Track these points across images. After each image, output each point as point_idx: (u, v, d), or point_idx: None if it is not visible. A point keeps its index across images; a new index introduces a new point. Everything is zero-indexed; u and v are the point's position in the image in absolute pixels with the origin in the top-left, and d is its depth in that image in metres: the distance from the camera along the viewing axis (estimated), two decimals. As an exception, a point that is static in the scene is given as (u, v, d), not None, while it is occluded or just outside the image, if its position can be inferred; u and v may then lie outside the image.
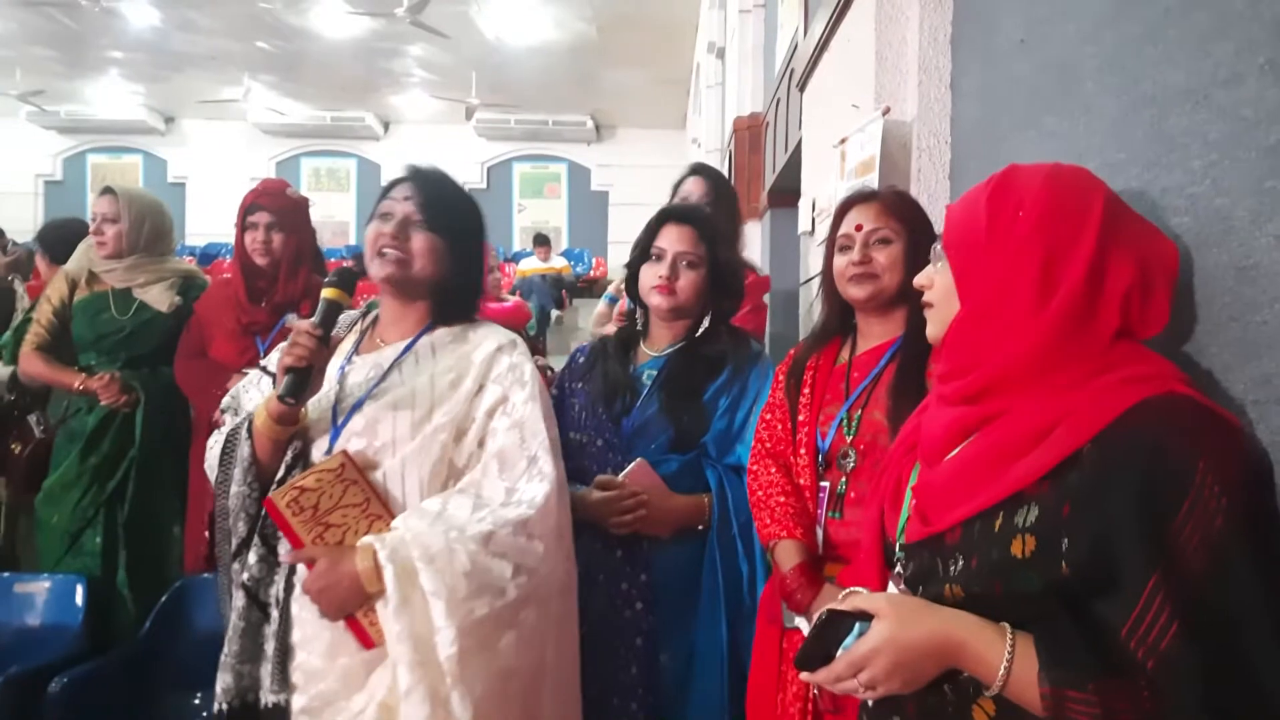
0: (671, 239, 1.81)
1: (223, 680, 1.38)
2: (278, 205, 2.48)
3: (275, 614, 1.37)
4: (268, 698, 1.35)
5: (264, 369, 1.55)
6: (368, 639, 1.30)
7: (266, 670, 1.36)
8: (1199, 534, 0.73)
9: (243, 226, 2.48)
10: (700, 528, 1.72)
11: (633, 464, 1.71)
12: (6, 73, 11.05)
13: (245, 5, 8.87)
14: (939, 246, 1.01)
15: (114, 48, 10.43)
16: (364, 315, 1.58)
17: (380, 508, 1.35)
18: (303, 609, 1.35)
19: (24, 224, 9.79)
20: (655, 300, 1.80)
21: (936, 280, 1.01)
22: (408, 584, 1.25)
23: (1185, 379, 0.85)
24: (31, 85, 11.28)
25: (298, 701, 1.33)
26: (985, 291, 0.91)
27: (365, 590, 1.27)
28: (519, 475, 1.37)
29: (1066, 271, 0.88)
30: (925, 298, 1.03)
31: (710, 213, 2.14)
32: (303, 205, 2.58)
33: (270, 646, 1.36)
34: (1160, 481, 0.75)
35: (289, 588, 1.37)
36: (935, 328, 1.01)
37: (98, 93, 12.37)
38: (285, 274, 2.47)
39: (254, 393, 1.55)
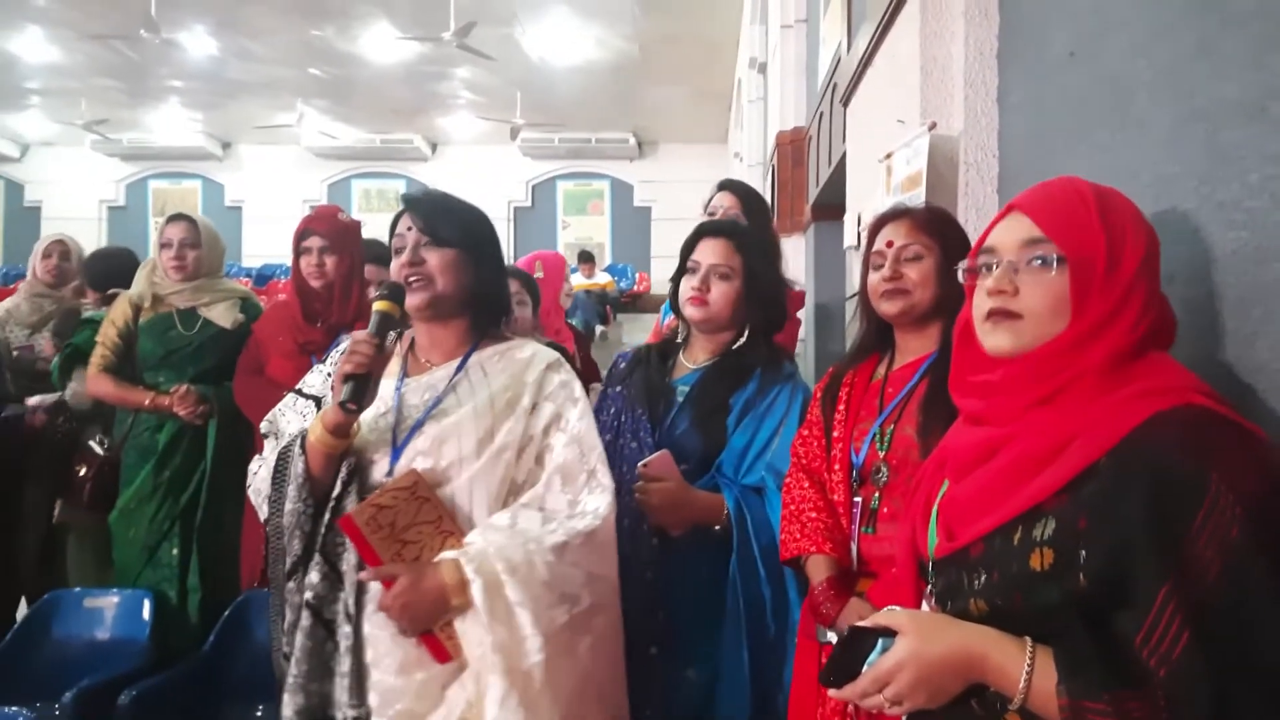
0: (706, 252, 1.84)
1: (294, 702, 1.36)
2: (330, 229, 2.59)
3: (349, 630, 1.37)
4: (345, 713, 1.35)
5: (299, 392, 1.58)
6: (444, 653, 1.33)
7: (342, 686, 1.36)
8: (1214, 545, 0.73)
9: (298, 252, 2.59)
10: (717, 528, 1.70)
11: (657, 453, 1.72)
12: (73, 103, 11.52)
13: (298, 33, 9.14)
14: (1049, 254, 0.91)
15: (174, 77, 10.82)
16: (398, 339, 1.58)
17: (451, 524, 1.39)
18: (375, 628, 1.36)
19: (88, 249, 10.14)
20: (689, 311, 1.84)
21: (1034, 291, 0.91)
22: (494, 595, 1.29)
23: (1206, 390, 0.84)
24: (96, 115, 11.75)
25: None
26: (1098, 315, 0.89)
27: (449, 604, 1.31)
28: (580, 488, 1.43)
29: (1133, 301, 0.88)
30: (1012, 307, 0.92)
31: (747, 227, 2.16)
32: (354, 228, 2.68)
33: (347, 663, 1.36)
34: (1174, 493, 0.76)
35: (360, 605, 1.38)
36: (1018, 340, 0.91)
37: (159, 120, 12.82)
38: (339, 295, 2.57)
39: (291, 415, 1.56)
